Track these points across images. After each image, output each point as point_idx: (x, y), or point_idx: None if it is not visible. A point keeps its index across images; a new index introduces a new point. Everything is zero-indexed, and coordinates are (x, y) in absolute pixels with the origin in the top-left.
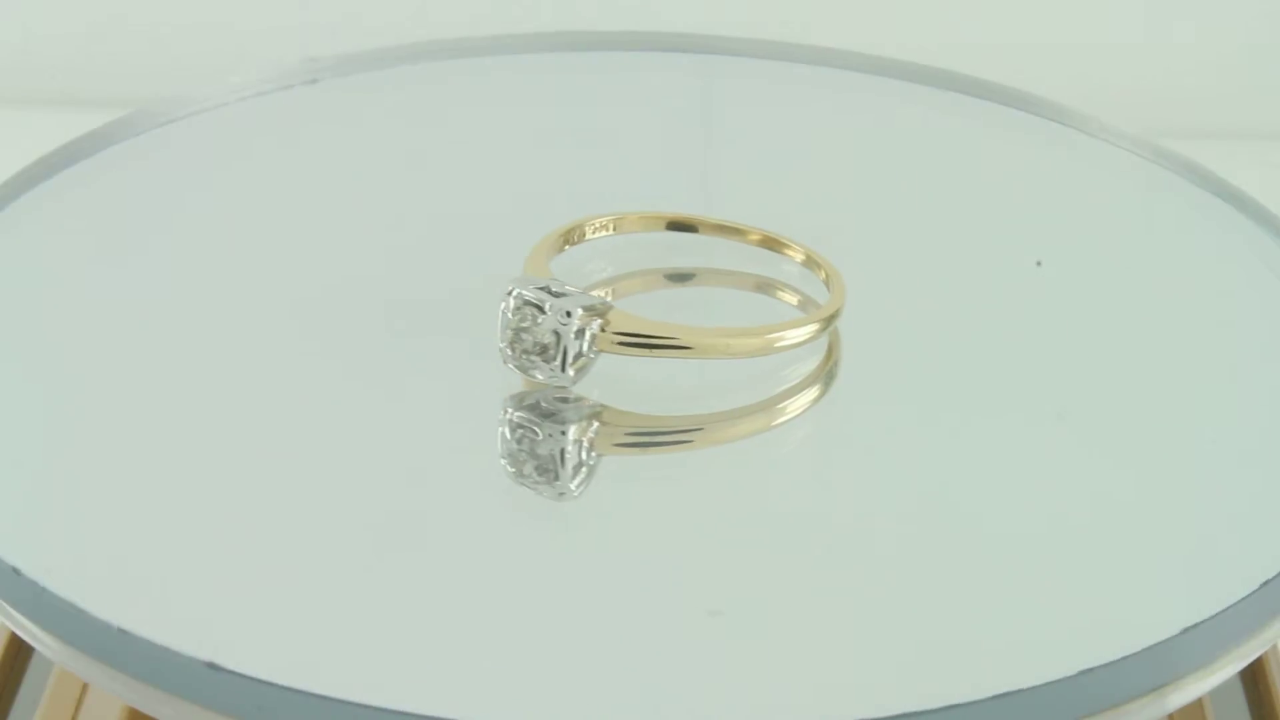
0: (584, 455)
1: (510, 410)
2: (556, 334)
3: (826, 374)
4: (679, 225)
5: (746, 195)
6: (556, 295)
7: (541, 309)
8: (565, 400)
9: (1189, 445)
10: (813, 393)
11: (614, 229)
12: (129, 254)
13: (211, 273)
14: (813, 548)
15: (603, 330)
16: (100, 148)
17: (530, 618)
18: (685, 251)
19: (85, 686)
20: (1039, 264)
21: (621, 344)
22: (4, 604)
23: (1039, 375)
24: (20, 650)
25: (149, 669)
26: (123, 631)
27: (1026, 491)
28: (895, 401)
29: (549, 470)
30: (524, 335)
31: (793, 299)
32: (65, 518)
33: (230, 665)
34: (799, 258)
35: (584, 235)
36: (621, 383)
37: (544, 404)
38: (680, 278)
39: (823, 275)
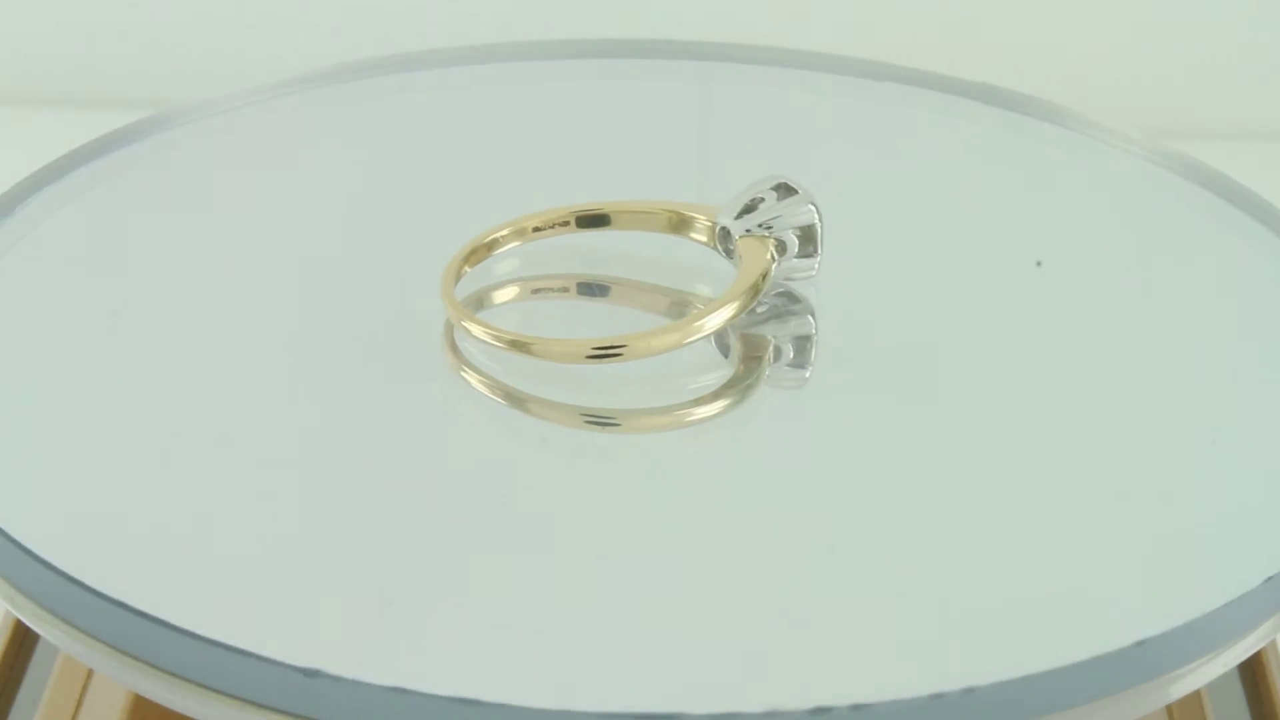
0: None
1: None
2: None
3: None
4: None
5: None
6: None
7: None
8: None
9: (1188, 443)
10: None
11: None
12: (129, 258)
13: (210, 276)
14: (814, 534)
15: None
16: (100, 155)
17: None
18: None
19: (88, 680)
20: (1039, 264)
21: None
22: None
23: (1038, 373)
24: (23, 644)
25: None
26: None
27: (1024, 485)
28: (895, 396)
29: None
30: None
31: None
32: (70, 515)
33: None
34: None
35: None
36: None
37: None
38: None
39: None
